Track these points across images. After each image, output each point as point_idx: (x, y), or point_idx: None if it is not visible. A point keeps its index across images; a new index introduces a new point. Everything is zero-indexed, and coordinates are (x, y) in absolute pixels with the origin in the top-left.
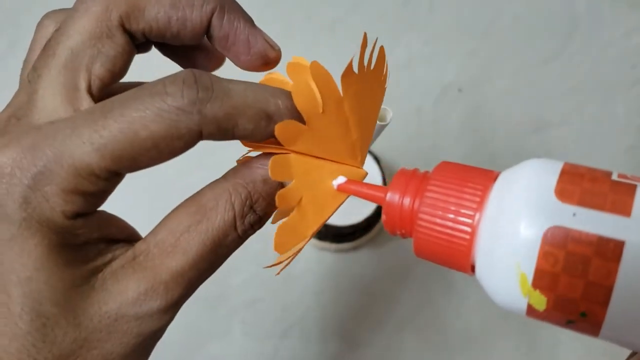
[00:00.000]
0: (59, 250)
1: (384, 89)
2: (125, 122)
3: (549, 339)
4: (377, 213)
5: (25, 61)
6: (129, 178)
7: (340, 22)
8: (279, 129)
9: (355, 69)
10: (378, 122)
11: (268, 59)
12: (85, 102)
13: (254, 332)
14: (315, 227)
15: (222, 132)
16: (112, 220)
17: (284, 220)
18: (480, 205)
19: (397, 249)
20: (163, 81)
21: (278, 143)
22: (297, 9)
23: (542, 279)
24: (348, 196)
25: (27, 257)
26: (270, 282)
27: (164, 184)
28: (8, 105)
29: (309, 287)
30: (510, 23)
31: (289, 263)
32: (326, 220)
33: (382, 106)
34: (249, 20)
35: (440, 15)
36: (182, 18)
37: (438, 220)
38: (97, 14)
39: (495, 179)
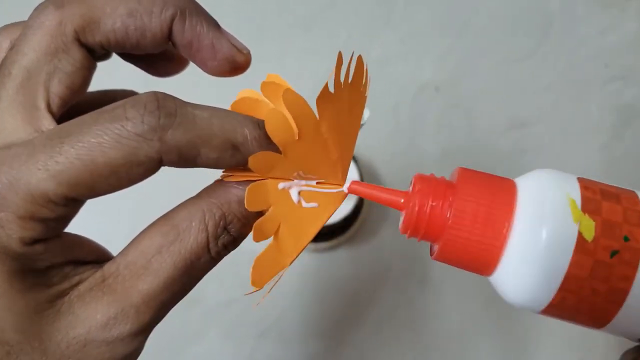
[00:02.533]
0: (20, 277)
1: (365, 99)
2: (83, 148)
3: (525, 336)
4: (354, 213)
5: None
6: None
7: (316, 19)
8: (252, 161)
9: (332, 89)
10: None
11: (236, 64)
12: (46, 121)
13: (230, 334)
14: (294, 255)
15: (184, 161)
16: (79, 241)
17: (261, 253)
18: (510, 213)
19: (374, 248)
20: (124, 105)
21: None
22: (271, 5)
23: (589, 204)
24: (329, 218)
25: None
26: (246, 283)
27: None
28: None
29: (285, 288)
30: (486, 22)
31: (268, 292)
32: (306, 246)
33: None
34: (213, 24)
35: (416, 13)
36: (141, 27)
37: (470, 228)
38: (51, 29)
39: (514, 187)
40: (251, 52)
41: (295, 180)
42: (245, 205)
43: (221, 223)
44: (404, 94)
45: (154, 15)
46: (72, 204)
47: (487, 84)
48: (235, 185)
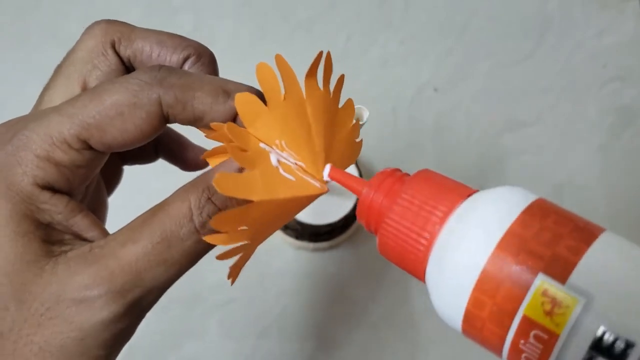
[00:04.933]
0: (20, 219)
1: (359, 146)
2: (95, 93)
3: None
4: (354, 212)
5: None
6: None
7: (316, 21)
8: (239, 100)
9: (320, 84)
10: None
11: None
12: None
13: (230, 332)
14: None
15: (182, 105)
16: (89, 218)
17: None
18: (442, 221)
19: (374, 247)
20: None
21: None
22: (272, 8)
23: (509, 241)
24: (302, 208)
25: None
26: (246, 282)
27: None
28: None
29: (286, 287)
30: (485, 23)
31: (242, 263)
32: (279, 227)
33: (359, 105)
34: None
35: (416, 15)
36: (163, 56)
37: (401, 226)
38: (96, 37)
39: (466, 197)
40: (253, 53)
41: (276, 149)
42: (229, 151)
43: (204, 194)
44: (403, 94)
45: (175, 51)
46: (85, 152)
47: (486, 85)
48: (220, 165)
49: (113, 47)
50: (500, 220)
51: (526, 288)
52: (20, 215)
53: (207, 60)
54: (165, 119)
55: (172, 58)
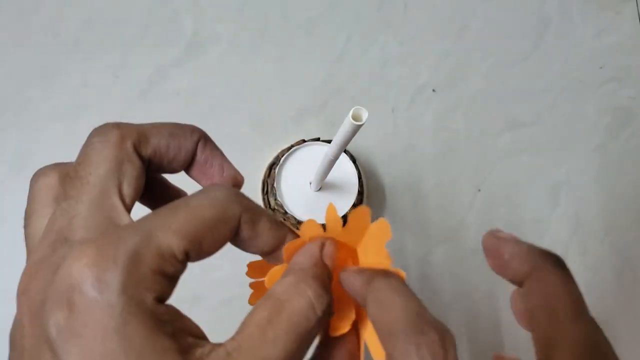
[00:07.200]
0: (156, 337)
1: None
2: (189, 207)
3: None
4: None
5: (27, 214)
6: None
7: (316, 23)
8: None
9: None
10: (353, 121)
11: (237, 182)
12: (125, 217)
13: (230, 331)
14: None
15: (252, 224)
16: (181, 314)
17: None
18: None
19: None
20: (212, 186)
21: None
22: (273, 9)
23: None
24: None
25: (130, 343)
26: (246, 280)
27: None
28: (44, 236)
29: None
30: (483, 24)
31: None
32: None
33: (357, 106)
34: (220, 150)
35: (415, 16)
36: (178, 145)
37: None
38: (116, 144)
39: None
40: (253, 55)
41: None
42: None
43: (318, 284)
44: (402, 95)
45: (187, 138)
46: (185, 263)
47: (484, 86)
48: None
49: (136, 150)
50: None
51: None
52: (155, 332)
53: (211, 142)
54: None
55: (187, 145)
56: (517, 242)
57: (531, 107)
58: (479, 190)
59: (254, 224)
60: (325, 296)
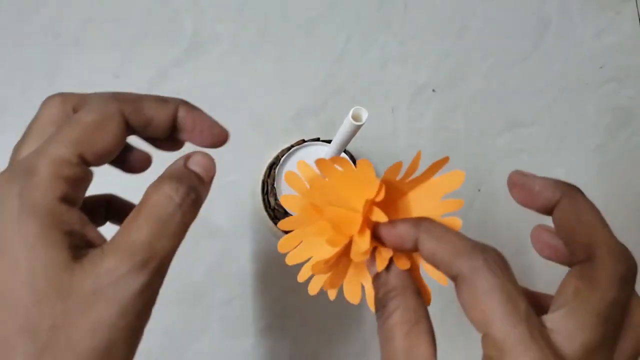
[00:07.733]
0: (49, 231)
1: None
2: (74, 120)
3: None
4: None
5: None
6: None
7: (316, 23)
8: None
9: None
10: (353, 121)
11: (225, 138)
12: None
13: (232, 330)
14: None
15: (137, 112)
16: (94, 227)
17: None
18: None
19: None
20: None
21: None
22: (273, 9)
23: None
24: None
25: (24, 237)
26: (247, 280)
27: None
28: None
29: (287, 284)
30: (483, 24)
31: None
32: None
33: (357, 106)
34: (207, 115)
35: (415, 16)
36: (151, 113)
37: None
38: (57, 106)
39: None
40: (253, 55)
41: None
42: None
43: (174, 181)
44: (402, 95)
45: (160, 106)
46: (83, 166)
47: (484, 86)
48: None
49: (126, 121)
50: None
51: None
52: (48, 227)
53: (194, 107)
54: (128, 126)
55: (161, 112)
56: (543, 177)
57: (531, 107)
58: (479, 190)
59: (140, 112)
60: (183, 188)
